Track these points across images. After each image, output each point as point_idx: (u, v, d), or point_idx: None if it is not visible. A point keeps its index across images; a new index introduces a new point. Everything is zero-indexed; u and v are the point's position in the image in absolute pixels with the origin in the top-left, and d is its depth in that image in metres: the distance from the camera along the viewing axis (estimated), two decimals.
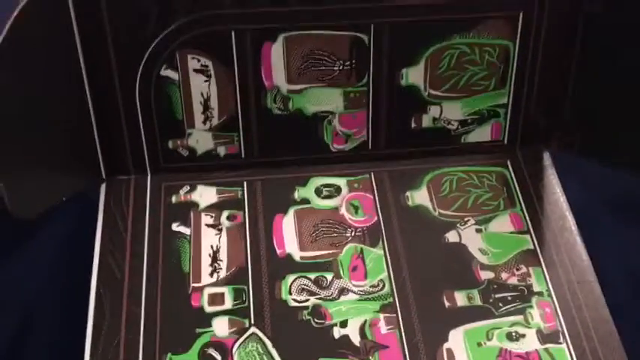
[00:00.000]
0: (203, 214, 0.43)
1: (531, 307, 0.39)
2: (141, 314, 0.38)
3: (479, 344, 0.37)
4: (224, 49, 0.41)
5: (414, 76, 0.43)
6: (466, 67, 0.43)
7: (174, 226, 0.42)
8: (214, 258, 0.41)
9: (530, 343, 0.37)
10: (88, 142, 0.42)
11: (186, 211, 0.43)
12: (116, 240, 0.41)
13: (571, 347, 0.37)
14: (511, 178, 0.45)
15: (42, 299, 0.42)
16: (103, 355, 0.36)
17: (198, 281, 0.40)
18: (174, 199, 0.43)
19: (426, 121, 0.45)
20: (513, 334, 0.38)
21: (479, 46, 0.43)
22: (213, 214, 0.43)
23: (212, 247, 0.41)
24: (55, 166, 0.40)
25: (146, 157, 0.44)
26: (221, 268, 0.40)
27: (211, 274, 0.40)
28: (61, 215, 0.45)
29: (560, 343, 0.37)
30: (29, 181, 0.37)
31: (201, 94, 0.42)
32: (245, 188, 0.44)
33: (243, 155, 0.45)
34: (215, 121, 0.44)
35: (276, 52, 0.42)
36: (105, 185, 0.43)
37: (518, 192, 0.44)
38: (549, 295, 0.39)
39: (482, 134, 0.46)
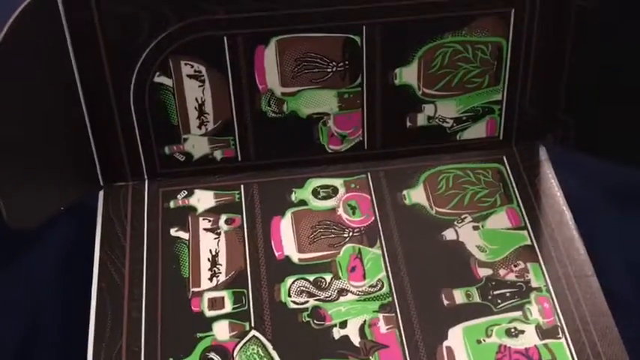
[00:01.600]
0: (201, 219, 0.43)
1: (530, 302, 0.39)
2: (142, 320, 0.38)
3: (478, 341, 0.38)
4: (217, 55, 0.41)
5: (408, 75, 0.43)
6: (459, 65, 0.43)
7: (173, 231, 0.42)
8: (213, 262, 0.41)
9: (530, 338, 0.38)
10: (85, 150, 0.43)
11: (184, 216, 0.43)
12: (115, 247, 0.41)
13: (570, 342, 0.38)
14: (507, 173, 0.45)
15: (43, 308, 0.43)
16: None
17: (198, 286, 0.40)
18: (172, 204, 0.44)
19: (421, 120, 0.45)
20: (512, 330, 0.38)
21: (471, 44, 0.43)
22: (212, 218, 0.43)
23: (211, 251, 0.42)
24: (51, 176, 0.41)
25: (143, 163, 0.44)
26: (220, 272, 0.41)
27: (211, 279, 0.40)
28: (60, 224, 0.45)
29: (559, 338, 0.38)
30: (26, 191, 0.38)
31: (196, 100, 0.43)
32: (242, 191, 0.44)
33: (239, 159, 0.45)
34: (210, 126, 0.44)
35: (269, 55, 0.42)
36: (103, 193, 0.44)
37: (515, 187, 0.44)
38: (547, 290, 0.40)
39: (477, 131, 0.46)
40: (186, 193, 0.44)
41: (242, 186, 0.45)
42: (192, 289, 0.40)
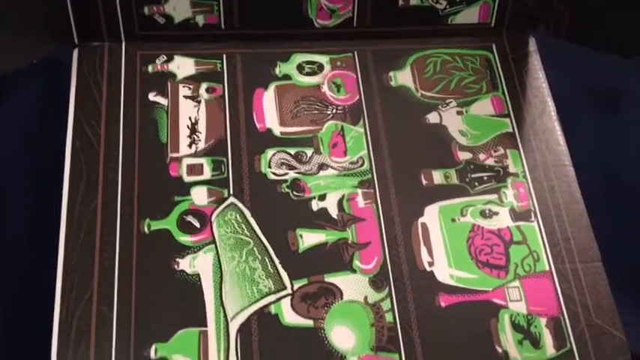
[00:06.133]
0: (181, 86, 0.43)
1: (506, 187, 0.41)
2: (118, 181, 0.39)
3: (453, 220, 0.39)
4: None
5: None
6: None
7: (151, 96, 0.42)
8: (193, 129, 0.41)
9: (503, 220, 0.40)
10: (60, 3, 0.41)
11: (163, 82, 0.43)
12: (91, 107, 0.41)
13: (542, 225, 0.40)
14: (495, 62, 0.45)
15: (14, 165, 0.42)
16: (79, 218, 0.37)
17: (177, 151, 0.40)
18: (150, 68, 0.43)
19: None
20: (487, 211, 0.40)
21: None
22: (192, 86, 0.43)
23: (190, 118, 0.41)
24: (24, 26, 0.39)
25: (120, 23, 0.43)
26: (200, 140, 0.41)
27: (190, 145, 0.41)
28: (32, 80, 0.44)
29: (532, 222, 0.40)
30: None
31: None
32: (225, 61, 0.44)
33: (222, 26, 0.44)
34: None
35: None
36: (77, 51, 0.43)
37: (502, 76, 0.45)
38: (524, 176, 0.41)
39: (470, 16, 0.46)
40: (165, 58, 0.43)
41: (224, 55, 0.44)
42: (170, 154, 0.40)
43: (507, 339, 0.36)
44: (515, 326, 0.37)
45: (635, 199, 0.44)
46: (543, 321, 0.37)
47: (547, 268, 0.38)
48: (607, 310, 0.37)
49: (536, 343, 0.36)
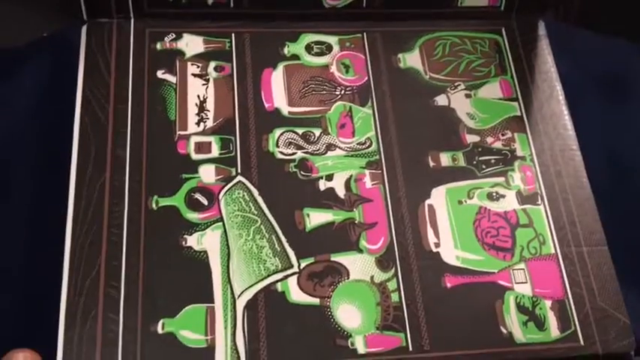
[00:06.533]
0: (189, 64, 0.43)
1: (513, 170, 0.41)
2: (126, 158, 0.39)
3: (460, 202, 0.40)
4: None
5: None
6: None
7: (160, 74, 0.42)
8: (201, 107, 0.41)
9: (510, 203, 0.40)
10: None
11: (172, 59, 0.42)
12: (99, 83, 0.41)
13: (548, 209, 0.40)
14: (504, 45, 0.45)
15: (22, 141, 0.42)
16: (87, 195, 0.37)
17: (185, 129, 0.40)
18: (158, 46, 0.43)
19: None
20: (494, 194, 0.40)
21: None
22: (200, 64, 0.43)
23: (199, 96, 0.41)
24: (34, 2, 0.39)
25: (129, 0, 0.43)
26: (208, 118, 0.41)
27: (198, 123, 0.41)
28: (41, 58, 0.44)
29: (538, 205, 0.40)
30: (8, 12, 0.36)
31: None
32: (233, 40, 0.44)
33: (232, 4, 0.44)
34: None
35: None
36: (86, 27, 0.42)
37: (510, 60, 0.45)
38: (532, 160, 0.41)
39: None
40: (174, 36, 0.43)
41: (233, 34, 0.44)
42: (178, 132, 0.40)
43: (512, 320, 0.36)
44: (520, 308, 0.37)
45: None
46: (548, 303, 0.37)
47: (553, 251, 0.39)
48: (612, 293, 0.38)
49: (540, 324, 0.36)
